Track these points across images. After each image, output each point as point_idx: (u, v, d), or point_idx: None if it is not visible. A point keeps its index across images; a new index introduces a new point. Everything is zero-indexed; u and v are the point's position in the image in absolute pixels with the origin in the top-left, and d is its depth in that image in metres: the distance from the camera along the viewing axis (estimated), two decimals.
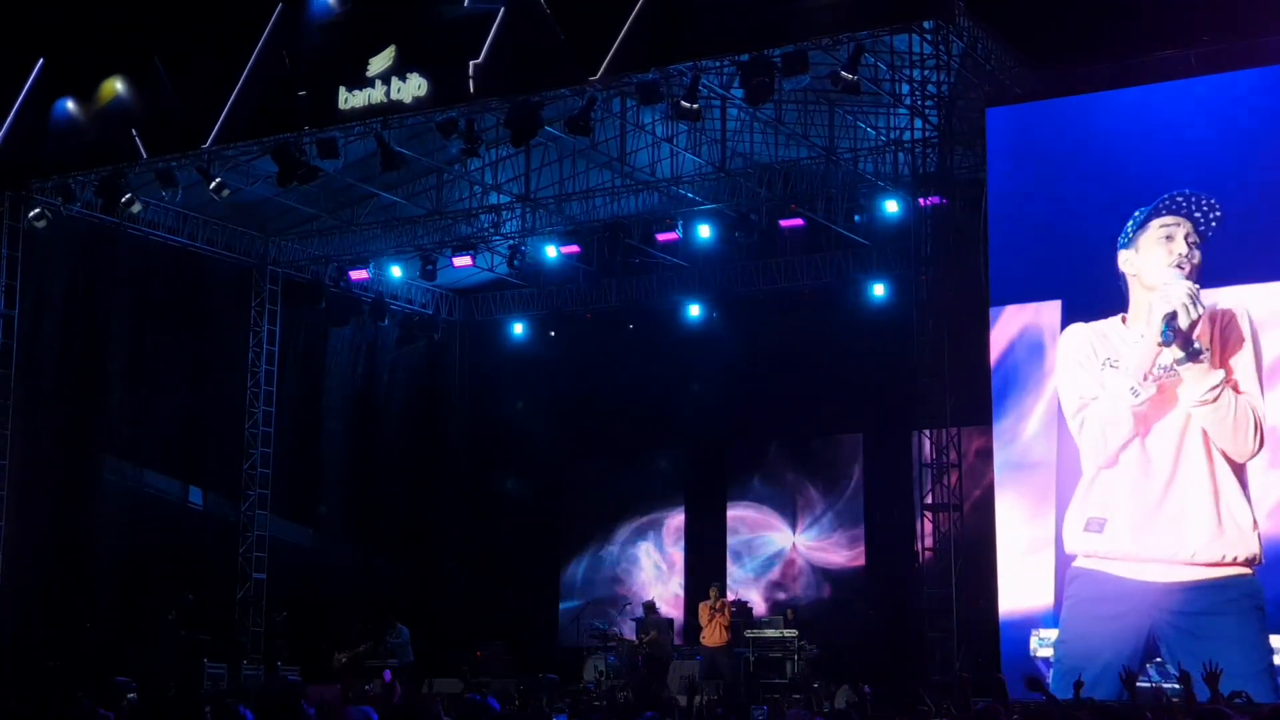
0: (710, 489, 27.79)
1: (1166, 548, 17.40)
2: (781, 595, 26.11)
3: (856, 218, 23.44)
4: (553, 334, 28.89)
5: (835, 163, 22.81)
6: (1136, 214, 17.92)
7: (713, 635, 22.45)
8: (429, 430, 29.57)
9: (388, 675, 21.79)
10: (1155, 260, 17.70)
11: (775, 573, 26.47)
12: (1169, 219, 17.64)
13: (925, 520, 19.81)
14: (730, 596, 24.47)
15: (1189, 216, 17.54)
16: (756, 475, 27.36)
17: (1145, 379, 17.41)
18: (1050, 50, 20.05)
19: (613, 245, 24.47)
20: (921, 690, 17.79)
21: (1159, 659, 17.16)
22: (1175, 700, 13.75)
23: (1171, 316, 16.86)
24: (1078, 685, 13.55)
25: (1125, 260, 18.03)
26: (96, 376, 24.32)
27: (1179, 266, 17.32)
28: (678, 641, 24.76)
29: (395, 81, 20.24)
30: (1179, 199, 17.66)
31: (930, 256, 20.15)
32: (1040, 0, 19.98)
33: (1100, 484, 17.95)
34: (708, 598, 23.12)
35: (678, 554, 27.84)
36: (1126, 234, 17.97)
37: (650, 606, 25.02)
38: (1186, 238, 17.46)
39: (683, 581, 27.47)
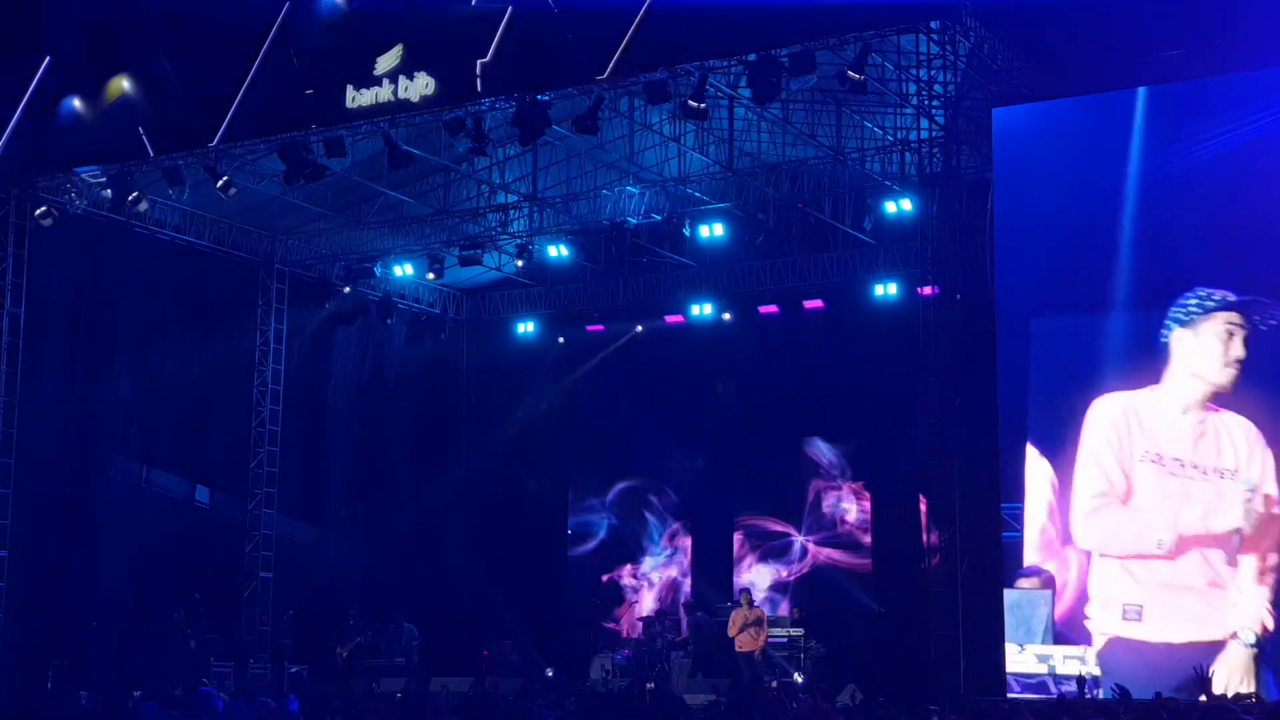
0: (718, 489, 27.75)
1: (1207, 631, 17.73)
2: (788, 595, 26.09)
3: (866, 223, 23.45)
4: (561, 340, 28.87)
5: (842, 162, 22.79)
6: (1199, 293, 18.08)
7: (744, 643, 22.40)
8: (436, 429, 29.57)
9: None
10: (1212, 353, 18.01)
11: (782, 572, 26.46)
12: (1235, 317, 17.91)
13: (931, 520, 19.79)
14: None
15: (1249, 318, 17.86)
16: (764, 475, 27.34)
17: (1174, 538, 17.96)
18: (1057, 50, 20.00)
19: (619, 244, 24.48)
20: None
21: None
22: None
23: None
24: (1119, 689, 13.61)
25: (1179, 339, 18.22)
26: (102, 375, 24.32)
27: (1229, 366, 17.83)
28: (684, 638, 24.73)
29: (403, 80, 20.24)
30: (1248, 301, 17.88)
31: (936, 256, 20.11)
32: (1046, 0, 19.92)
33: (1128, 568, 18.34)
34: (739, 605, 22.98)
35: (685, 553, 27.83)
36: (1186, 310, 18.10)
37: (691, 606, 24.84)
38: (1245, 340, 17.82)
39: (690, 582, 27.45)
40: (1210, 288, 18.08)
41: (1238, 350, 17.87)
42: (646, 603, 26.13)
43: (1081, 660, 18.03)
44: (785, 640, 23.29)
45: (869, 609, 24.69)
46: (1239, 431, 17.87)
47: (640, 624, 24.99)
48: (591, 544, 28.82)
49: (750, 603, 22.78)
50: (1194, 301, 18.15)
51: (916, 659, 19.82)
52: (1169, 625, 17.98)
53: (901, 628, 22.46)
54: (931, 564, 19.67)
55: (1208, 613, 17.82)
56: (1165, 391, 18.35)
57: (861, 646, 23.55)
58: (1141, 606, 18.13)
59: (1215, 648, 17.55)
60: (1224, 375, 17.90)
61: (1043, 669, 18.18)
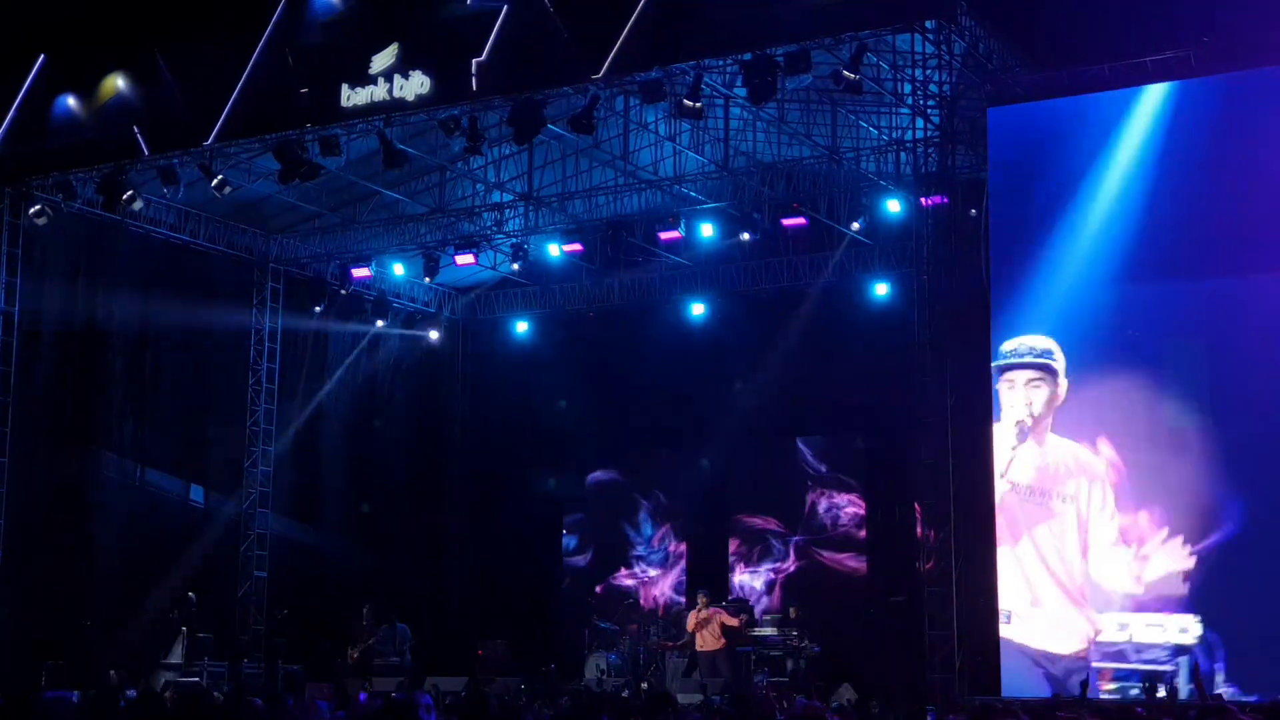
0: (713, 488, 27.75)
1: (1061, 642, 19.00)
2: (783, 594, 26.08)
3: (860, 222, 23.46)
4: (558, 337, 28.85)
5: (837, 162, 22.78)
6: (1008, 346, 19.62)
7: (705, 641, 22.43)
8: (431, 428, 29.54)
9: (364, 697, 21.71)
10: (1017, 400, 19.55)
11: (778, 572, 26.46)
12: (1007, 373, 19.57)
13: (926, 520, 19.80)
14: (733, 595, 24.46)
15: (1024, 368, 19.46)
16: (758, 474, 27.32)
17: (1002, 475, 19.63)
18: (1052, 50, 20.03)
19: (615, 244, 24.47)
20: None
21: None
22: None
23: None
24: (1084, 684, 13.75)
25: (1002, 387, 19.63)
26: (97, 374, 24.29)
27: (1025, 403, 19.42)
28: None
29: (398, 79, 20.22)
30: (1017, 361, 19.59)
31: (931, 256, 20.12)
32: (1042, 0, 19.97)
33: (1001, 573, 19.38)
34: (696, 605, 23.05)
35: (680, 554, 27.81)
36: (1004, 361, 19.64)
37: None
38: (1027, 383, 19.39)
39: (685, 581, 27.44)
40: (1021, 337, 19.50)
41: (1033, 396, 19.35)
42: (645, 602, 26.16)
43: (1162, 628, 18.43)
44: (780, 640, 23.29)
45: (864, 608, 24.69)
46: (1071, 455, 19.14)
47: (636, 624, 24.99)
48: (589, 543, 28.80)
49: (708, 603, 22.79)
50: (1006, 354, 19.59)
51: (912, 658, 19.84)
52: (1030, 633, 19.12)
53: (897, 627, 22.49)
54: (926, 564, 19.68)
55: (1061, 628, 18.99)
56: (1004, 427, 19.53)
57: (856, 646, 23.57)
58: (1010, 611, 19.18)
59: (1066, 658, 18.74)
60: (1022, 413, 19.43)
61: (1123, 637, 18.52)
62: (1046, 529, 19.18)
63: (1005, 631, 19.13)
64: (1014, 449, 19.40)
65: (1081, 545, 18.96)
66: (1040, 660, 18.92)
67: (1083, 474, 19.04)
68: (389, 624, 24.13)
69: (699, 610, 22.46)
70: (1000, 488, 19.41)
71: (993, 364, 19.53)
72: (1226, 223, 18.41)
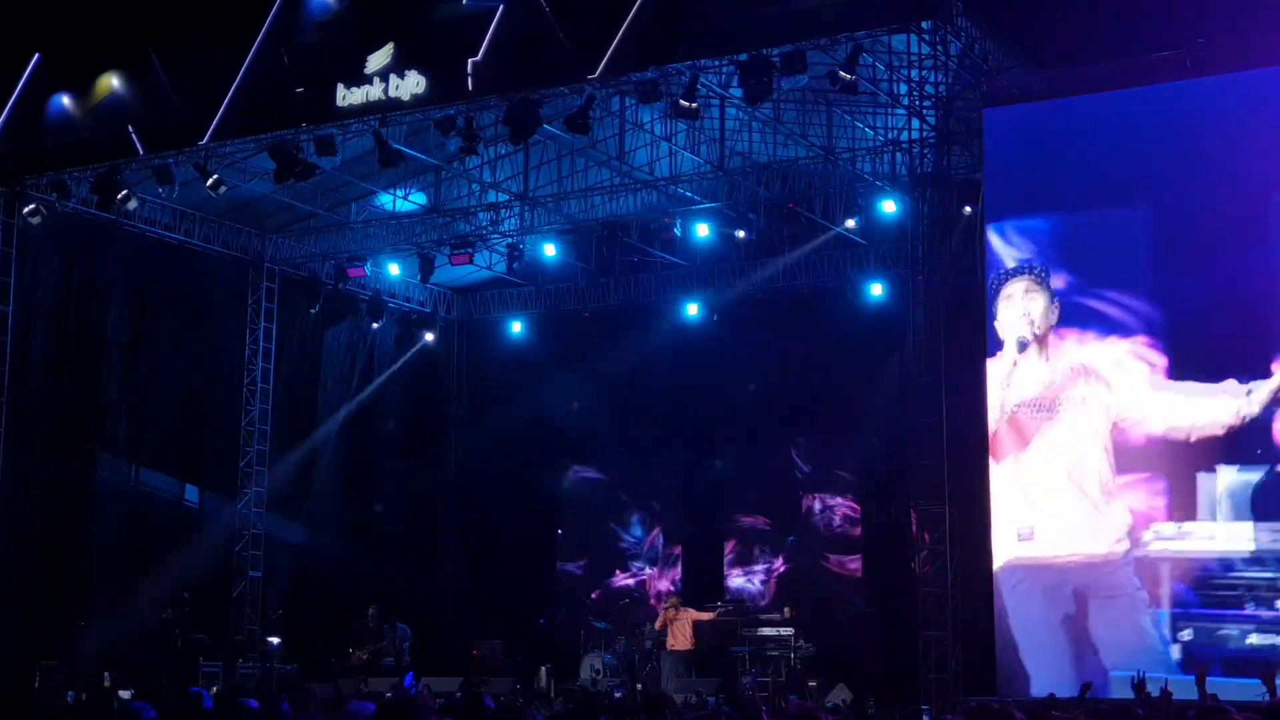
0: (708, 489, 27.74)
1: (1089, 545, 18.93)
2: (779, 594, 26.07)
3: (856, 221, 23.49)
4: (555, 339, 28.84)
5: (833, 162, 22.78)
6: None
7: (676, 640, 22.66)
8: (426, 428, 29.51)
9: (410, 679, 21.88)
10: (1012, 315, 19.52)
11: (772, 572, 26.45)
12: (1005, 287, 19.62)
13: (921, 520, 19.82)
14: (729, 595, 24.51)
15: (1022, 273, 19.54)
16: (754, 475, 27.31)
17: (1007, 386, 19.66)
18: (1048, 51, 20.06)
19: (611, 244, 24.46)
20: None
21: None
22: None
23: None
24: (1085, 687, 13.78)
25: (997, 318, 19.65)
26: (91, 374, 24.25)
27: (1024, 315, 19.37)
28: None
29: (393, 79, 20.19)
30: (1011, 267, 19.70)
31: (927, 256, 20.13)
32: (1038, 1, 19.97)
33: (1017, 493, 19.38)
34: (668, 605, 23.30)
35: (675, 555, 27.80)
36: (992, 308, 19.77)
37: None
38: (1025, 292, 19.40)
39: (681, 581, 27.43)
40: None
41: (1030, 307, 19.33)
42: (650, 599, 26.20)
43: None
44: (776, 639, 23.29)
45: (859, 607, 24.70)
46: (1076, 359, 19.14)
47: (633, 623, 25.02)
48: (583, 543, 28.78)
49: (678, 603, 23.05)
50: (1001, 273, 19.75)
51: (907, 659, 19.84)
52: (1056, 543, 19.06)
53: (892, 627, 22.50)
54: (921, 564, 19.68)
55: (1089, 530, 18.87)
56: (1007, 353, 19.52)
57: (852, 646, 23.58)
58: (1033, 528, 19.15)
59: (1098, 562, 18.69)
60: (1023, 328, 19.38)
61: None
62: (1056, 433, 19.11)
63: (1027, 550, 19.05)
64: (1015, 362, 19.34)
65: (1108, 436, 18.79)
66: (1068, 570, 18.81)
67: (1090, 372, 19.02)
68: (389, 624, 24.16)
69: (667, 610, 22.72)
70: (1003, 404, 19.37)
71: (991, 287, 19.63)
72: (1222, 222, 18.42)
